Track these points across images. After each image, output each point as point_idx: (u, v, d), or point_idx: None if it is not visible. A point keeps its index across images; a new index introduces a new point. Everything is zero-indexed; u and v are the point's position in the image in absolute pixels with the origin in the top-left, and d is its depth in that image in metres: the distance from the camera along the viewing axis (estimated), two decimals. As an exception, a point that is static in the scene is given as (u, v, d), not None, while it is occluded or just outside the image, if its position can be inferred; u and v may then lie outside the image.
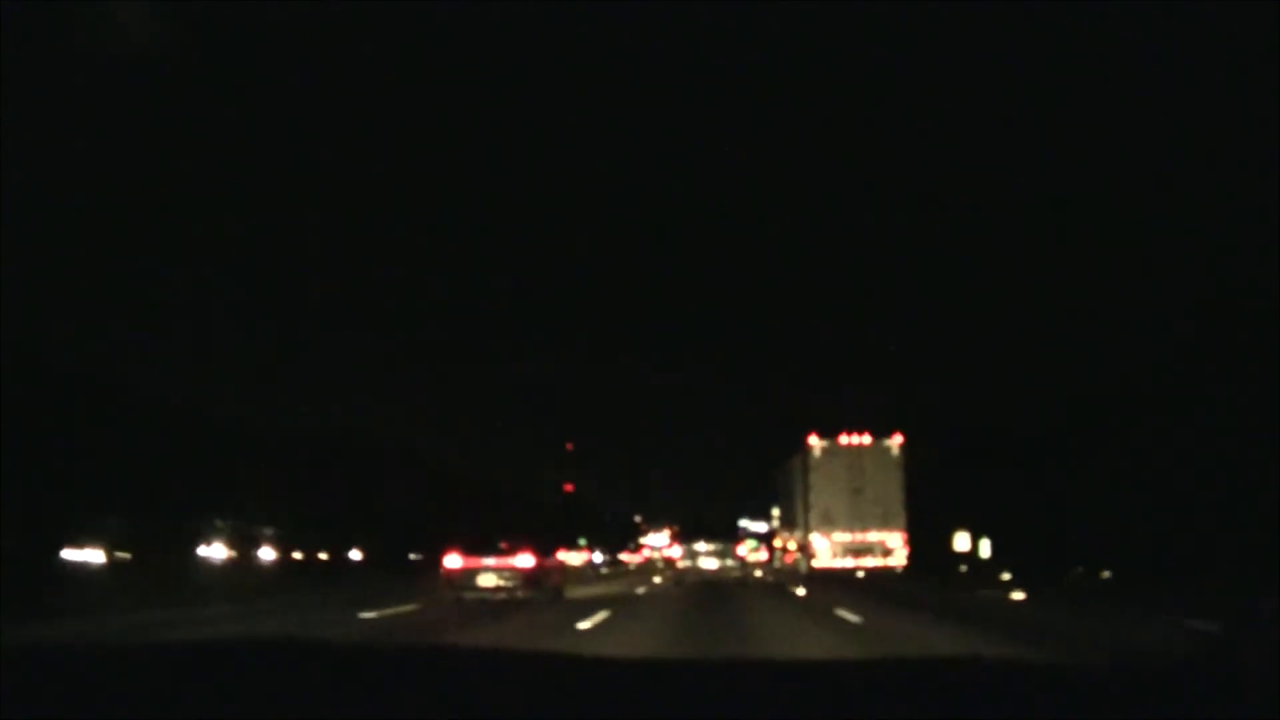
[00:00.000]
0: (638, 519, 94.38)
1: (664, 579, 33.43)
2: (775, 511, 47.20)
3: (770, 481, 44.96)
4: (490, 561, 19.30)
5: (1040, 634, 12.78)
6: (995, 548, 38.00)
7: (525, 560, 19.31)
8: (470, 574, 19.24)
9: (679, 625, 13.87)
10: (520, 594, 18.98)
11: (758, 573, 36.40)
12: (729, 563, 34.67)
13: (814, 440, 32.11)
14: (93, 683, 2.01)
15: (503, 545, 19.72)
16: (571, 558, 41.64)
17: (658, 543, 71.73)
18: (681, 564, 34.74)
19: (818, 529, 31.73)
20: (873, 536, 31.48)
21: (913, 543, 39.03)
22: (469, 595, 18.96)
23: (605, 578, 37.41)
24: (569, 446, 74.20)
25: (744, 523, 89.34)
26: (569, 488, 73.91)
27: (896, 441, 32.04)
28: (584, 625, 13.44)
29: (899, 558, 31.72)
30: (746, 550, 41.38)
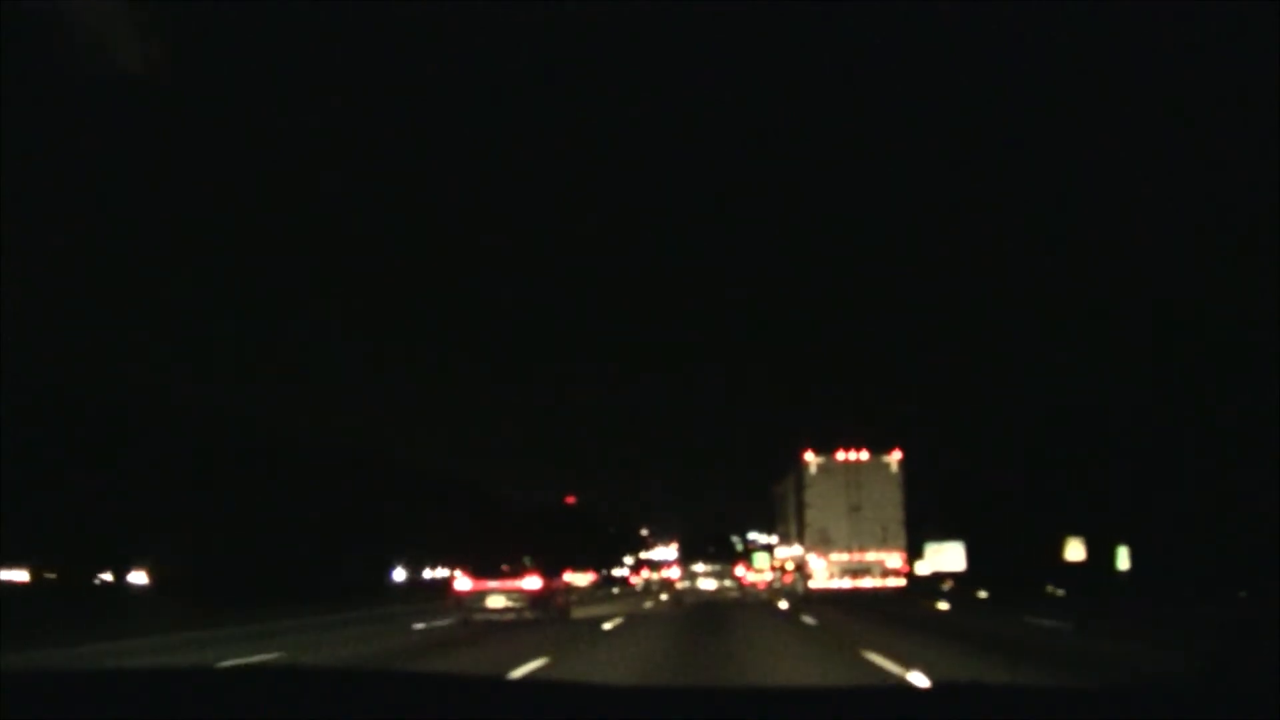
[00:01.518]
0: (644, 531, 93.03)
1: (655, 604, 32.34)
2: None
3: (770, 487, 43.84)
4: (498, 584, 20.17)
5: None
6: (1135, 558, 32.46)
7: (532, 582, 20.20)
8: (479, 596, 20.10)
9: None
10: (528, 614, 19.77)
11: (762, 594, 35.40)
12: (727, 583, 34.54)
13: (809, 456, 30.93)
14: (90, 709, 2.06)
15: (509, 568, 20.63)
16: (578, 578, 40.82)
17: (661, 556, 70.35)
18: (680, 585, 34.71)
19: (814, 549, 30.56)
20: (871, 556, 30.27)
21: (977, 552, 36.67)
22: (477, 616, 19.78)
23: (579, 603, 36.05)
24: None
25: (753, 535, 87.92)
26: (571, 499, 72.79)
27: (895, 457, 30.83)
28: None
29: (899, 578, 30.50)
30: (748, 571, 40.79)
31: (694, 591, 33.59)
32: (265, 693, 2.20)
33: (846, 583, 30.20)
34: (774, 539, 60.88)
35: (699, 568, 34.64)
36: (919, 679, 10.38)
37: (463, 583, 20.67)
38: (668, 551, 72.51)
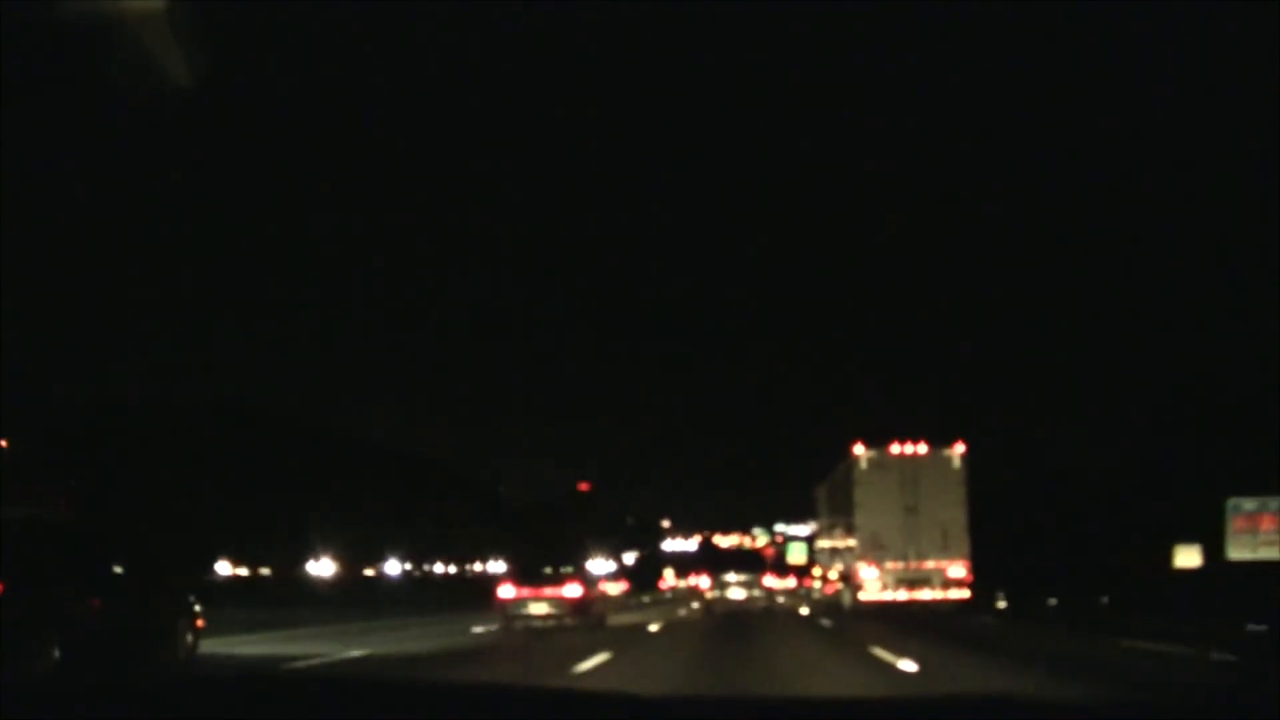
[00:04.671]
0: (665, 523, 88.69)
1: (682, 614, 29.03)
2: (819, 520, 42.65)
3: (812, 485, 40.10)
4: (540, 591, 21.02)
5: None
6: None
7: (573, 590, 21.10)
8: (522, 603, 20.87)
9: None
10: (568, 621, 20.54)
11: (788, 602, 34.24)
12: (755, 593, 34.59)
13: (859, 449, 27.17)
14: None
15: (551, 575, 21.69)
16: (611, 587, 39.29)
17: (681, 548, 66.56)
18: (710, 594, 34.75)
19: (865, 556, 26.80)
20: (930, 565, 26.49)
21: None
22: (519, 624, 20.61)
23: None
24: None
25: (781, 527, 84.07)
26: (584, 486, 68.86)
27: (958, 451, 27.03)
28: None
29: (962, 589, 26.68)
30: (778, 579, 40.93)
31: (723, 601, 33.10)
32: (280, 700, 2.27)
33: (902, 594, 26.54)
34: (808, 527, 57.10)
35: (730, 577, 34.55)
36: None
37: (506, 590, 21.42)
38: (688, 544, 68.66)
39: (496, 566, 54.99)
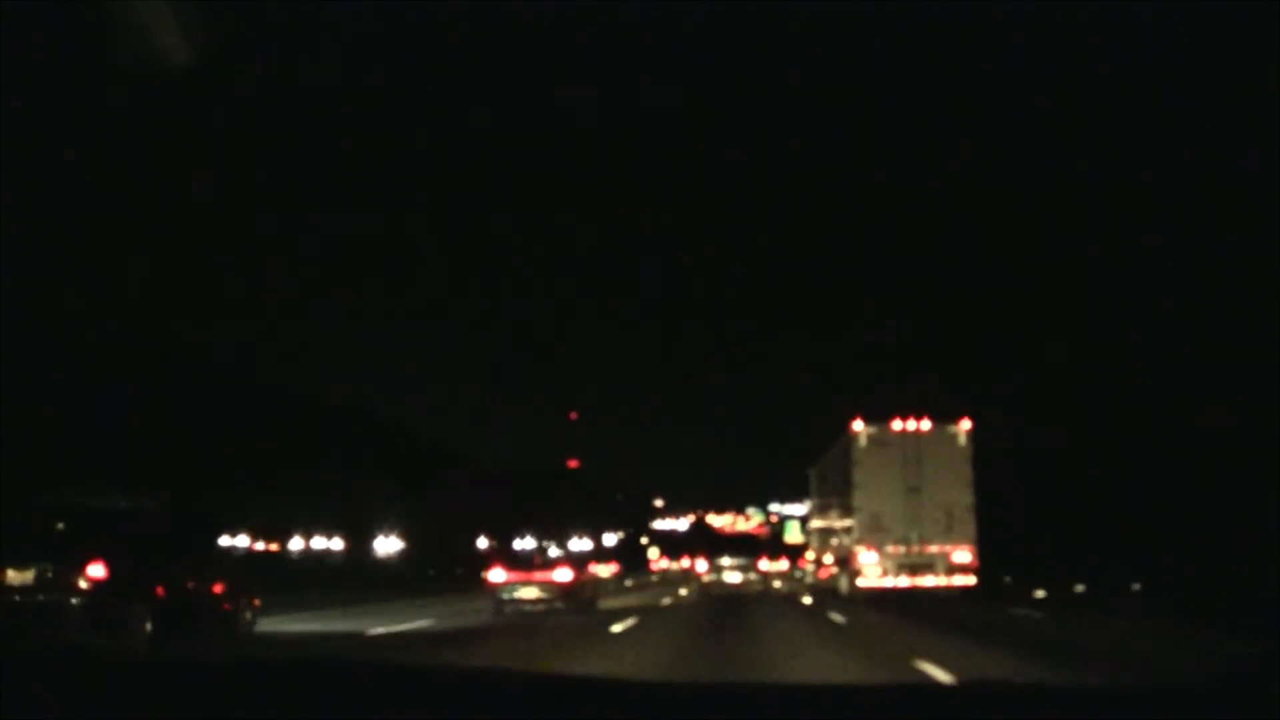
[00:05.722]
0: (658, 502, 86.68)
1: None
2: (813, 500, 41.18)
3: (809, 464, 38.52)
4: (531, 575, 21.50)
5: None
6: None
7: (563, 574, 21.49)
8: (512, 586, 21.25)
9: None
10: (558, 605, 20.81)
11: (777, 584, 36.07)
12: (752, 576, 34.04)
13: (858, 426, 25.51)
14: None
15: (542, 560, 22.55)
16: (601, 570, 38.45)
17: (672, 527, 65.20)
18: (707, 577, 34.60)
19: (864, 539, 25.18)
20: (933, 549, 24.86)
21: None
22: (509, 608, 21.00)
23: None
24: (572, 415, 67.56)
25: (776, 506, 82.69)
26: (574, 463, 67.35)
27: (964, 428, 25.38)
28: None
29: (968, 575, 25.03)
30: (773, 562, 41.01)
31: (720, 584, 32.93)
32: (280, 687, 2.24)
33: (904, 580, 24.93)
34: (805, 507, 55.67)
35: (725, 561, 34.50)
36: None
37: (497, 574, 21.79)
38: (680, 524, 67.20)
39: (387, 544, 54.05)
